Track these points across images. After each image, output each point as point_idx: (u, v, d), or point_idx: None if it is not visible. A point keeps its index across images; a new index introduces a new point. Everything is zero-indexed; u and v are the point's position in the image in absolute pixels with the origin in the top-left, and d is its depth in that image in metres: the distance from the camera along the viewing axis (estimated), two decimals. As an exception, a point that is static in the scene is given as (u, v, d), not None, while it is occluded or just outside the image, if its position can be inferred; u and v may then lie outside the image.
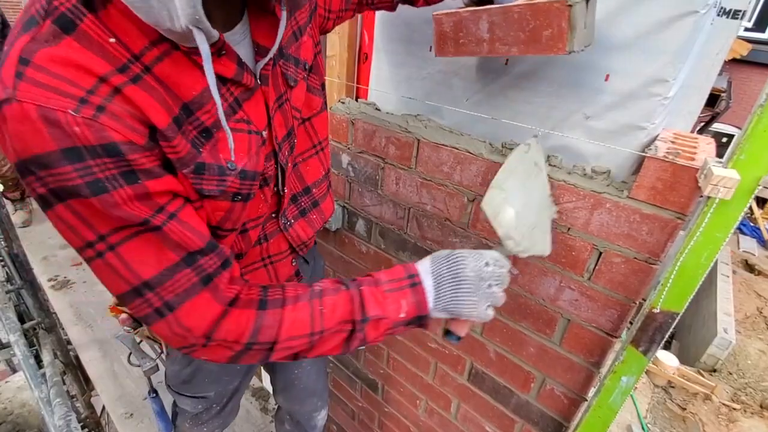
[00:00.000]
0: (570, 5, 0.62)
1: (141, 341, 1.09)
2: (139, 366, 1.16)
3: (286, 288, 0.62)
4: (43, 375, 2.00)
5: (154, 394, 1.26)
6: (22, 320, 2.19)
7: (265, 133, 0.63)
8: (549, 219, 0.77)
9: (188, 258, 0.53)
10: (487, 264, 0.63)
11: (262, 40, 0.60)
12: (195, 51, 0.47)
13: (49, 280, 2.73)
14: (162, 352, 1.05)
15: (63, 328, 2.39)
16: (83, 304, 2.54)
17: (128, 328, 0.97)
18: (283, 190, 0.75)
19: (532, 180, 0.73)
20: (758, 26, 7.04)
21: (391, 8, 0.89)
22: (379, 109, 1.12)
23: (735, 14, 0.74)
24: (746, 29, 6.96)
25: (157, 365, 1.16)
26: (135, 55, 0.47)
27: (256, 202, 0.68)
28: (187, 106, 0.51)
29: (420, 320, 0.63)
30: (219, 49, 0.51)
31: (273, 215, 0.77)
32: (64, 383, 2.18)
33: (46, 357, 2.13)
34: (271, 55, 0.59)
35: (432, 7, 0.84)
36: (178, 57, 0.50)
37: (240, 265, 0.74)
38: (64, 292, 2.64)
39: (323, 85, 0.82)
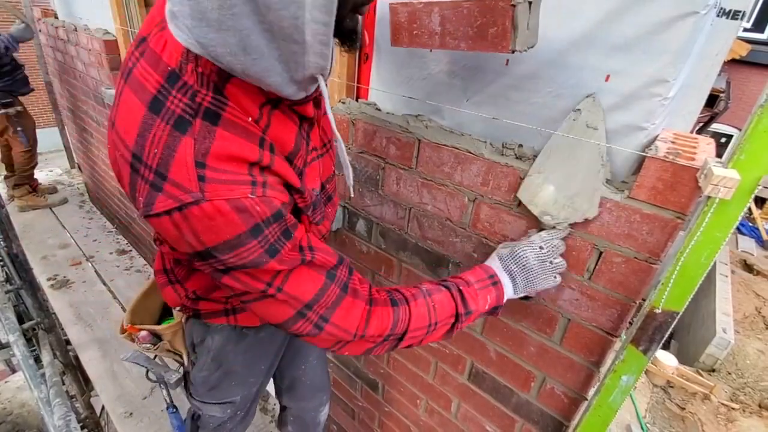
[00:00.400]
0: (513, 5, 0.64)
1: (155, 357, 1.06)
2: (156, 382, 1.13)
3: (400, 289, 0.73)
4: (43, 375, 2.00)
5: (174, 409, 1.23)
6: (21, 320, 2.19)
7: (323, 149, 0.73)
8: (600, 180, 0.76)
9: (329, 275, 0.63)
10: (541, 248, 0.77)
11: None
12: (297, 102, 0.54)
13: (49, 279, 2.73)
14: (183, 364, 1.03)
15: (62, 328, 2.39)
16: (83, 304, 2.54)
17: (147, 345, 0.97)
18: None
19: (580, 146, 0.75)
20: (757, 27, 7.05)
21: None
22: (379, 109, 1.13)
23: (735, 15, 0.74)
24: (745, 30, 6.98)
25: (182, 377, 1.13)
26: (256, 120, 0.53)
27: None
28: (288, 157, 0.58)
29: (496, 309, 0.78)
30: (308, 97, 0.58)
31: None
32: (64, 383, 2.17)
33: (46, 357, 2.13)
34: (325, 79, 0.62)
35: None
36: (279, 115, 0.56)
37: None
38: (64, 292, 2.64)
39: None
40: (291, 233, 0.56)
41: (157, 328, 0.96)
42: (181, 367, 1.07)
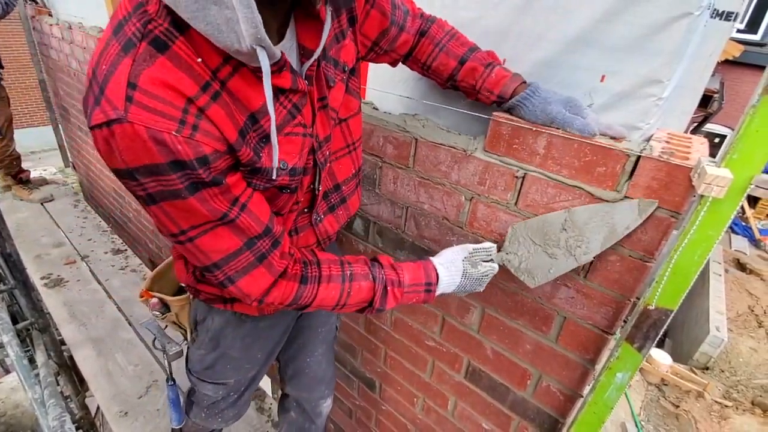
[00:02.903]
0: (628, 155, 0.71)
1: (166, 326, 1.11)
2: (162, 350, 1.20)
3: (322, 266, 0.75)
4: (37, 376, 1.99)
5: (172, 382, 1.28)
6: (15, 320, 2.17)
7: (312, 132, 0.70)
8: (566, 265, 0.79)
9: (249, 242, 0.64)
10: (479, 279, 0.82)
11: (307, 43, 0.63)
12: (259, 69, 0.53)
13: (42, 278, 2.71)
14: (186, 339, 1.07)
15: (56, 327, 2.37)
16: (77, 302, 2.52)
17: (157, 312, 1.02)
18: (318, 188, 0.80)
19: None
20: (750, 28, 7.12)
21: (394, 64, 0.91)
22: (377, 109, 1.13)
23: (728, 16, 0.75)
24: (738, 31, 7.04)
25: (181, 351, 1.21)
26: (213, 71, 0.53)
27: (298, 193, 0.77)
28: (253, 116, 0.58)
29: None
30: (281, 67, 0.56)
31: (306, 210, 0.83)
32: (58, 384, 2.16)
33: (40, 357, 2.11)
34: (315, 57, 0.62)
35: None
36: (246, 72, 0.55)
37: None
38: (58, 291, 2.62)
39: (359, 88, 0.85)
40: (220, 180, 0.56)
41: (167, 298, 1.00)
42: (184, 342, 1.11)
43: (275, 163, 0.61)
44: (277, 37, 0.60)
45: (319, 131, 0.72)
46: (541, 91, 0.78)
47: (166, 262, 1.06)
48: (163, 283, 1.04)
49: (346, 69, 0.74)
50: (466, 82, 0.83)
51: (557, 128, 0.77)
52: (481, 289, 0.84)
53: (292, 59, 0.63)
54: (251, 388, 1.15)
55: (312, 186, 0.79)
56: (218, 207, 0.58)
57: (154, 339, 1.21)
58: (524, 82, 0.80)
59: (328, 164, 0.81)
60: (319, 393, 1.27)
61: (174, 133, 0.50)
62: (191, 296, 0.98)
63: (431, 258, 0.83)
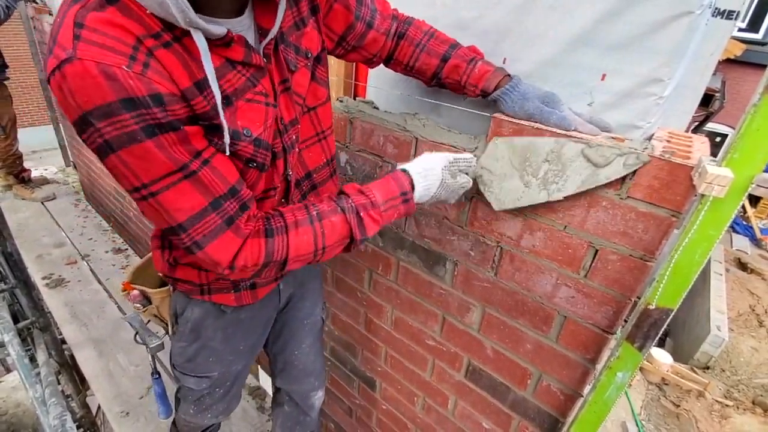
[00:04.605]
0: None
1: (149, 321, 1.11)
2: (144, 344, 1.20)
3: (285, 214, 0.71)
4: (38, 374, 1.99)
5: (157, 375, 1.28)
6: (16, 320, 2.18)
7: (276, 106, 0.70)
8: (536, 197, 0.79)
9: (214, 202, 0.62)
10: (455, 190, 0.79)
11: (264, 23, 0.66)
12: (213, 42, 0.55)
13: (44, 278, 2.71)
14: (167, 332, 1.07)
15: (58, 327, 2.37)
16: (78, 303, 2.53)
17: (138, 305, 1.02)
18: (290, 175, 0.80)
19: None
20: (752, 27, 7.10)
21: (371, 64, 0.94)
22: (377, 108, 1.13)
23: (729, 15, 0.75)
24: (740, 30, 7.02)
25: (162, 344, 1.20)
26: (168, 26, 0.54)
27: (270, 174, 0.76)
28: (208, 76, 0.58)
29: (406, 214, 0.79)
30: (228, 42, 0.58)
31: (283, 201, 0.83)
32: (59, 383, 2.16)
33: (41, 356, 2.12)
34: (271, 35, 0.65)
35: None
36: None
37: None
38: (59, 291, 2.63)
39: (328, 77, 0.86)
40: (178, 125, 0.55)
41: (148, 290, 1.00)
42: (166, 336, 1.10)
43: (223, 122, 0.60)
44: (234, 13, 0.63)
45: (283, 114, 0.74)
46: (520, 87, 0.80)
47: (148, 256, 1.05)
48: (145, 277, 1.03)
49: (309, 56, 0.76)
50: (450, 78, 0.85)
51: (535, 122, 0.79)
52: (453, 202, 0.82)
53: (250, 37, 0.65)
54: (238, 382, 1.15)
55: (286, 173, 0.80)
56: (178, 156, 0.57)
57: (136, 333, 1.21)
58: (507, 76, 0.82)
59: (297, 150, 0.82)
60: (309, 385, 1.26)
61: (125, 67, 0.49)
62: (172, 289, 0.98)
63: (402, 165, 0.78)
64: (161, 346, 1.20)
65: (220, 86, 0.60)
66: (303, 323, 1.17)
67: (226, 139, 0.61)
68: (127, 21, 0.51)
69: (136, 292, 1.01)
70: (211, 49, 0.57)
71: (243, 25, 0.64)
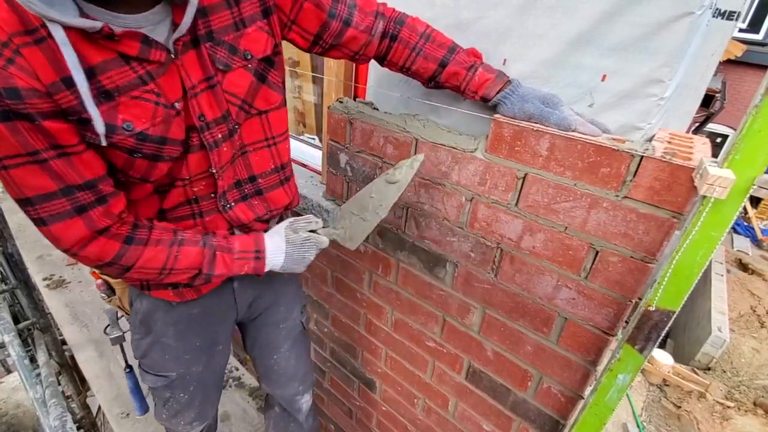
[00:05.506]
0: (632, 155, 0.71)
1: (120, 315, 1.13)
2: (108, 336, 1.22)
3: (153, 231, 0.77)
4: (38, 375, 1.99)
5: (129, 369, 1.28)
6: (16, 320, 2.18)
7: (178, 105, 0.70)
8: (373, 223, 0.92)
9: (66, 189, 0.65)
10: (303, 245, 0.88)
11: (177, 20, 0.67)
12: (95, 32, 0.57)
13: (44, 279, 2.71)
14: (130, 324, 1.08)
15: (58, 328, 2.37)
16: (79, 304, 2.52)
17: (103, 295, 1.03)
18: (216, 172, 0.80)
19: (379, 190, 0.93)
20: (752, 27, 7.10)
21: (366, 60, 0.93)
22: (377, 109, 1.13)
23: (730, 15, 0.75)
24: (740, 30, 7.02)
25: (122, 336, 1.23)
26: (50, 20, 0.55)
27: (179, 166, 0.77)
28: (91, 69, 0.61)
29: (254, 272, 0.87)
30: (109, 35, 0.59)
31: (212, 195, 0.84)
32: (60, 384, 2.17)
33: (41, 357, 2.12)
34: (179, 33, 0.65)
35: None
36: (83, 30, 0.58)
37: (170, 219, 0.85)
38: (60, 292, 2.63)
39: (283, 83, 0.86)
40: (34, 117, 0.58)
41: (110, 279, 1.01)
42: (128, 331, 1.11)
43: (95, 116, 0.62)
44: (143, 7, 0.64)
45: (205, 111, 0.73)
46: (520, 89, 0.80)
47: None
48: None
49: (249, 57, 0.76)
50: (449, 83, 0.86)
51: (535, 123, 0.79)
52: (308, 260, 0.90)
53: (162, 31, 0.67)
54: (205, 390, 1.10)
55: (209, 170, 0.79)
56: (32, 142, 0.60)
57: (107, 326, 1.22)
58: (508, 82, 0.82)
59: (246, 154, 0.84)
60: (293, 390, 1.23)
61: None
62: None
63: (263, 232, 0.90)
64: (122, 338, 1.21)
65: (100, 81, 0.62)
66: (278, 327, 1.14)
67: (100, 129, 0.63)
68: (4, 16, 0.55)
69: (100, 280, 1.02)
70: (100, 43, 0.60)
71: (150, 21, 0.65)
